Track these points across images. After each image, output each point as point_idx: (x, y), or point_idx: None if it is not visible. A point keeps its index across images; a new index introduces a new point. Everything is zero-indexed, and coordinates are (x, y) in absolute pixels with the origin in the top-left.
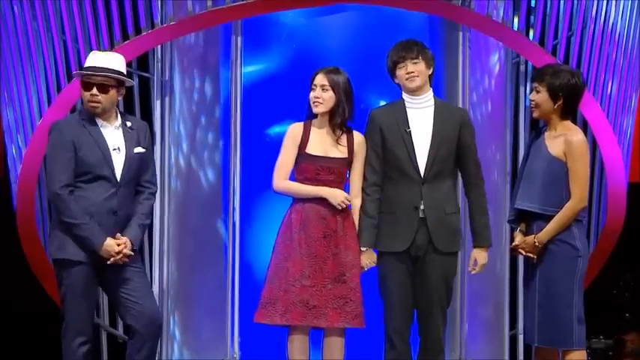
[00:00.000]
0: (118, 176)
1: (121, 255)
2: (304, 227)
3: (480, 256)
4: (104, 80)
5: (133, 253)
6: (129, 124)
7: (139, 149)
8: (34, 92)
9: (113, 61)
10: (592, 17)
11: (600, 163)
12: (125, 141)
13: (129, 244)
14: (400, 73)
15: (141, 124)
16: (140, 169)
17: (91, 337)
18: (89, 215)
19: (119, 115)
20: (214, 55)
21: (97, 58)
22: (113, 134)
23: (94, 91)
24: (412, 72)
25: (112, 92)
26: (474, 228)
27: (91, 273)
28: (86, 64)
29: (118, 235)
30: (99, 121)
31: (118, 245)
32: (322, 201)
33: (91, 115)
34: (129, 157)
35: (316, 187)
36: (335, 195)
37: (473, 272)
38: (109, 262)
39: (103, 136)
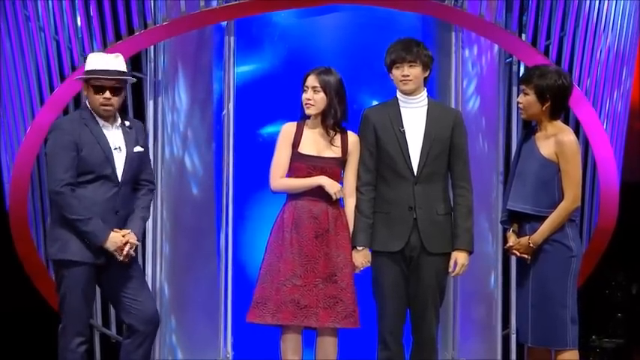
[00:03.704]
0: (120, 176)
1: (129, 246)
2: (296, 227)
3: (461, 257)
4: (117, 83)
5: (139, 243)
6: (127, 123)
7: (138, 148)
8: (27, 93)
9: (120, 62)
10: (584, 17)
11: (593, 162)
12: (125, 140)
13: (132, 234)
14: (396, 73)
15: (137, 123)
16: (139, 168)
17: (88, 337)
18: (92, 213)
19: (118, 115)
20: (207, 55)
21: (105, 60)
22: (114, 134)
23: (107, 94)
24: (407, 75)
25: (123, 94)
26: (455, 230)
27: (92, 273)
28: (93, 67)
29: (117, 230)
30: (100, 121)
31: (123, 236)
32: (314, 200)
33: (92, 114)
34: (129, 157)
35: (313, 178)
36: (332, 183)
37: (453, 274)
38: (120, 258)
39: (104, 135)
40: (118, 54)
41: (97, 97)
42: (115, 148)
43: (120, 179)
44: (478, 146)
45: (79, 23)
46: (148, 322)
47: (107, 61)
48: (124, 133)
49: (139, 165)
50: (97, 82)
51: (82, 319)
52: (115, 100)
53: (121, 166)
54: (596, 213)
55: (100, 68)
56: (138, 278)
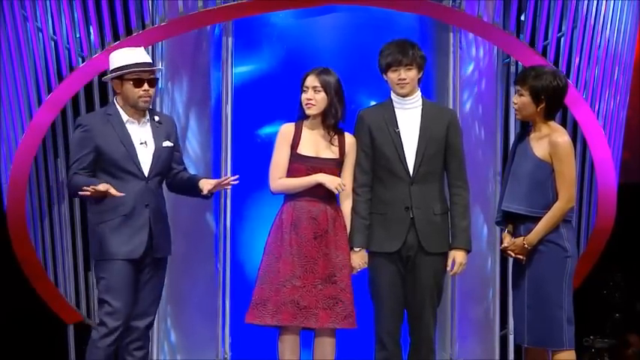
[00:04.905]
0: (146, 170)
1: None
2: (295, 227)
3: (459, 256)
4: (152, 74)
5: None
6: (157, 118)
7: (167, 143)
8: (25, 93)
9: (147, 55)
10: (582, 18)
11: (590, 163)
12: (154, 135)
13: (208, 180)
14: (392, 76)
15: (168, 118)
16: (168, 162)
17: (119, 339)
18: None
19: (147, 111)
20: (205, 55)
21: (137, 54)
22: (140, 129)
23: (146, 86)
24: (404, 79)
25: (156, 86)
26: (453, 230)
27: (128, 270)
28: (126, 61)
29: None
30: (124, 116)
31: (211, 187)
32: (313, 201)
33: (118, 110)
34: (157, 151)
35: (312, 176)
36: (332, 179)
37: (451, 273)
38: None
39: (127, 131)
40: (140, 47)
41: (137, 90)
42: (141, 143)
43: (146, 174)
44: (476, 147)
45: (77, 24)
46: (138, 320)
47: (139, 55)
48: (153, 128)
49: (167, 159)
50: (136, 75)
51: (115, 318)
52: (153, 92)
53: (148, 160)
54: (594, 214)
55: (133, 62)
56: (154, 278)
